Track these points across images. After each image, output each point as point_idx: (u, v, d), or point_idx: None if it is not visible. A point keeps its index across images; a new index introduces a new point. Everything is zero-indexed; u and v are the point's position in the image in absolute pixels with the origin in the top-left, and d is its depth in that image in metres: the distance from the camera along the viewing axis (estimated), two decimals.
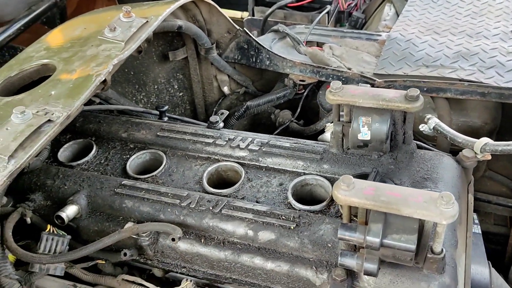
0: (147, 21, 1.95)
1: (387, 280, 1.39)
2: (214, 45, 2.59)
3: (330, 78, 2.41)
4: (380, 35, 2.78)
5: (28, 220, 1.71)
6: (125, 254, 1.63)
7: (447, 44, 2.52)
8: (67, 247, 1.65)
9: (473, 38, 2.55)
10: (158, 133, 2.00)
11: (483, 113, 2.36)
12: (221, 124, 2.06)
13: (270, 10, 3.33)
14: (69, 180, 1.83)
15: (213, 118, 2.05)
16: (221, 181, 1.86)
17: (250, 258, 1.57)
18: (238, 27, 2.59)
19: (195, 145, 1.94)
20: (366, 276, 1.40)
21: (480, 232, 2.01)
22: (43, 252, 1.62)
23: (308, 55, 2.65)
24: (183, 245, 1.63)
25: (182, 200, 1.70)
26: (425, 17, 2.82)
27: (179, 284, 1.65)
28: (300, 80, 2.61)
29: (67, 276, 1.71)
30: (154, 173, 1.85)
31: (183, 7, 2.40)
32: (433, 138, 2.28)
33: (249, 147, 1.88)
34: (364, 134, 1.64)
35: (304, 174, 1.77)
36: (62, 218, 1.67)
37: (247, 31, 2.59)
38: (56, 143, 2.02)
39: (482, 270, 1.79)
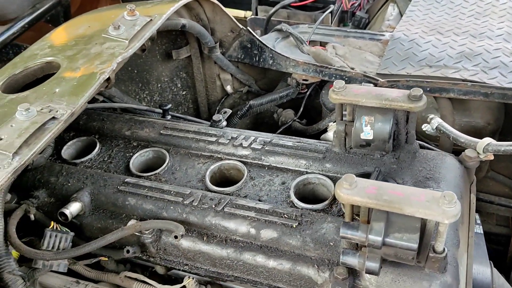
0: (151, 20, 1.96)
1: (388, 279, 1.40)
2: (218, 44, 2.59)
3: (333, 78, 2.41)
4: (383, 35, 2.78)
5: (32, 216, 1.72)
6: (128, 251, 1.63)
7: (451, 44, 2.52)
8: (70, 244, 1.66)
9: (476, 38, 2.55)
10: (161, 131, 2.01)
11: (486, 113, 2.36)
12: (224, 123, 2.07)
13: (273, 9, 3.34)
14: (73, 178, 1.84)
15: (216, 117, 2.06)
16: (224, 180, 1.87)
17: (252, 256, 1.57)
18: (241, 26, 2.59)
19: (198, 143, 1.94)
20: (367, 274, 1.40)
21: (482, 232, 2.01)
22: (47, 248, 1.63)
23: (311, 55, 2.66)
24: (186, 243, 1.64)
25: (184, 198, 1.71)
26: (428, 17, 2.82)
27: (181, 282, 1.66)
28: (303, 80, 2.61)
29: (70, 273, 1.72)
30: (157, 171, 1.86)
31: (187, 6, 2.41)
32: (435, 138, 2.28)
33: (252, 146, 1.89)
34: (367, 133, 1.64)
35: (307, 173, 1.77)
36: (65, 215, 1.68)
37: (251, 30, 2.60)
38: (60, 141, 2.03)
39: (484, 270, 1.79)
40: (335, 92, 1.65)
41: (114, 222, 1.73)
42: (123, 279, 1.70)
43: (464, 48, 2.46)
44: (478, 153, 1.72)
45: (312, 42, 2.84)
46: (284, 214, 1.60)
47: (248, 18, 3.61)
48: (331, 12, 3.28)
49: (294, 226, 1.56)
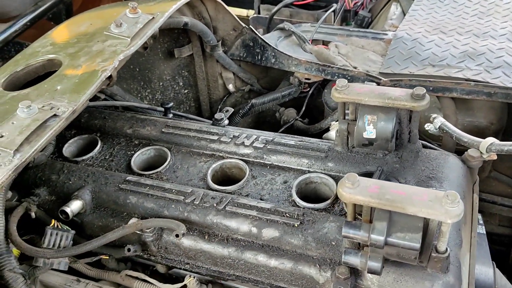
0: (153, 18, 1.95)
1: (390, 278, 1.39)
2: (220, 42, 2.59)
3: (336, 77, 2.41)
4: (386, 34, 2.77)
5: (33, 214, 1.72)
6: (128, 250, 1.63)
7: (454, 43, 2.51)
8: (71, 242, 1.65)
9: (480, 38, 2.54)
10: (163, 130, 2.01)
11: (489, 113, 2.35)
12: (226, 122, 2.06)
13: (276, 8, 3.33)
14: (74, 176, 1.83)
15: (218, 115, 2.05)
16: (226, 178, 1.86)
17: (254, 255, 1.57)
18: (244, 25, 2.58)
19: (200, 142, 1.94)
20: (369, 274, 1.40)
21: (485, 232, 2.00)
22: (47, 246, 1.62)
23: (314, 54, 2.65)
24: (187, 242, 1.63)
25: (186, 196, 1.70)
26: (431, 17, 2.81)
27: (182, 281, 1.66)
28: (306, 79, 2.61)
29: (71, 271, 1.72)
30: (158, 170, 1.85)
31: (189, 4, 2.40)
32: (438, 138, 2.27)
33: (254, 145, 1.88)
34: (370, 132, 1.63)
35: (309, 172, 1.76)
36: (66, 213, 1.68)
37: (253, 28, 2.59)
38: (61, 139, 2.03)
39: (487, 270, 1.78)
40: (338, 91, 1.64)
41: (115, 220, 1.72)
42: (124, 277, 1.69)
43: (467, 48, 2.45)
44: (481, 152, 1.71)
45: (314, 41, 2.84)
46: (286, 213, 1.59)
47: (250, 17, 3.60)
48: (333, 11, 3.26)
49: (296, 225, 1.56)
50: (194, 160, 1.90)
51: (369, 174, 1.64)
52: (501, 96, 2.15)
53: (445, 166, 1.70)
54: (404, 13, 3.01)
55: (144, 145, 1.98)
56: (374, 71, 2.43)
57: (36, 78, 1.90)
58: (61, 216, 1.69)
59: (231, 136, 1.93)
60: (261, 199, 1.69)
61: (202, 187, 1.77)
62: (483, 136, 1.73)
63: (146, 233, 1.62)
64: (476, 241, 1.71)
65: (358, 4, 3.47)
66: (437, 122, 1.81)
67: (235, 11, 3.69)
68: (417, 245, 1.25)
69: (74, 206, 1.70)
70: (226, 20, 2.55)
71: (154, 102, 2.70)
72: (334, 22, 3.36)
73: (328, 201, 1.63)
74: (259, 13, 3.65)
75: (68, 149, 1.99)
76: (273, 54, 2.58)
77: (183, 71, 2.78)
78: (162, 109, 2.30)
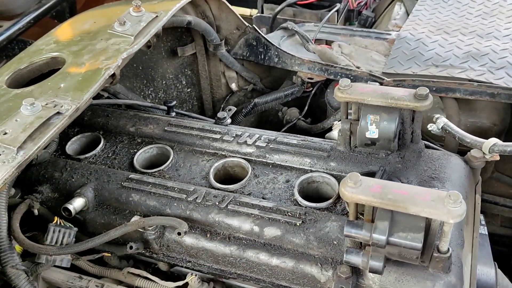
0: (157, 16, 1.95)
1: (392, 278, 1.39)
2: (223, 41, 2.59)
3: (339, 76, 2.40)
4: (389, 34, 2.77)
5: (36, 211, 1.72)
6: (131, 247, 1.63)
7: (457, 44, 2.50)
8: (74, 239, 1.66)
9: (483, 38, 2.53)
10: (165, 128, 2.01)
11: (492, 114, 2.35)
12: (229, 120, 2.06)
13: (279, 7, 3.33)
14: (77, 173, 1.84)
15: (220, 114, 2.05)
16: (228, 177, 1.86)
17: (255, 254, 1.57)
18: (247, 24, 2.58)
19: (202, 140, 1.94)
20: (371, 273, 1.40)
21: (487, 233, 2.00)
22: (50, 243, 1.63)
23: (317, 53, 2.65)
24: (189, 240, 1.64)
25: (188, 195, 1.70)
26: (435, 17, 2.80)
27: (184, 279, 1.66)
28: (308, 78, 2.60)
29: (73, 268, 1.72)
30: (161, 168, 1.86)
31: (192, 3, 2.41)
32: (440, 139, 2.26)
33: (256, 144, 1.88)
34: (372, 132, 1.63)
35: (311, 171, 1.76)
36: (69, 210, 1.68)
37: (256, 28, 2.59)
38: (64, 136, 2.03)
39: (488, 271, 1.78)
40: (341, 91, 1.64)
41: (117, 218, 1.73)
42: (126, 275, 1.70)
43: (471, 48, 2.45)
44: (484, 153, 1.71)
45: (318, 41, 2.83)
46: (287, 212, 1.60)
47: (253, 16, 3.60)
48: (337, 10, 3.27)
49: (298, 224, 1.56)
50: (196, 158, 1.90)
51: (371, 174, 1.64)
52: (504, 97, 2.14)
53: (448, 167, 1.70)
54: (407, 13, 3.00)
55: (147, 143, 1.99)
56: (377, 71, 2.43)
57: (40, 75, 1.91)
58: (63, 214, 1.69)
59: (234, 135, 1.93)
60: (263, 198, 1.69)
61: (204, 185, 1.78)
62: (486, 137, 1.73)
63: (148, 231, 1.63)
64: (478, 241, 1.71)
65: (362, 4, 3.47)
66: (440, 122, 1.80)
67: (239, 10, 3.67)
68: (419, 245, 1.25)
69: (76, 204, 1.71)
70: (229, 19, 2.55)
71: (157, 100, 2.71)
72: (337, 21, 3.36)
73: (330, 201, 1.63)
74: (262, 12, 3.66)
75: (71, 146, 2.00)
76: (276, 53, 2.58)
77: (186, 70, 2.78)
78: (165, 107, 2.30)
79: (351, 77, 2.35)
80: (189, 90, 2.86)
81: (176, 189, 1.73)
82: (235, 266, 1.61)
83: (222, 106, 2.86)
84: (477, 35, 2.56)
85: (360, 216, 1.40)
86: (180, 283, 1.65)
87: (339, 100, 1.66)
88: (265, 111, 2.84)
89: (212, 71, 2.79)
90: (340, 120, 1.77)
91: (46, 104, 1.61)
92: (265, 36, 2.61)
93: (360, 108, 1.66)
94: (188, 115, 2.38)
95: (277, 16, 3.34)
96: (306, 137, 1.92)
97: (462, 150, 1.91)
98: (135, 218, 1.65)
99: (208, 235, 1.63)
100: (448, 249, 1.32)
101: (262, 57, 2.63)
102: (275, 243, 1.57)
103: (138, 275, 1.69)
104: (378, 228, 1.26)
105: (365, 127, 1.64)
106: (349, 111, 1.71)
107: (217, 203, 1.66)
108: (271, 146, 1.86)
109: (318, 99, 2.76)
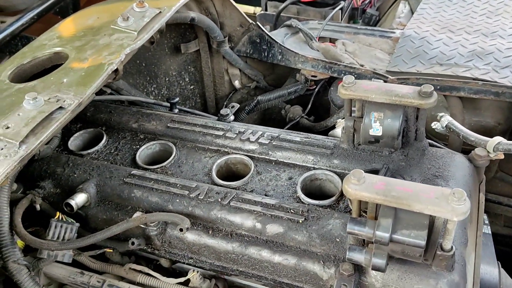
0: (160, 12, 1.95)
1: (395, 276, 1.38)
2: (227, 38, 2.58)
3: (342, 74, 2.40)
4: (394, 32, 2.76)
5: (38, 207, 1.72)
6: (132, 243, 1.63)
7: (462, 42, 2.49)
8: (76, 234, 1.66)
9: (488, 37, 2.52)
10: (168, 125, 2.00)
11: (496, 113, 2.34)
12: (232, 117, 2.06)
13: (283, 5, 3.33)
14: (79, 169, 1.84)
15: (223, 111, 2.05)
16: (230, 174, 1.86)
17: (258, 251, 1.56)
18: (251, 21, 2.58)
19: (205, 137, 1.93)
20: (374, 271, 1.39)
21: (490, 232, 1.99)
22: (52, 239, 1.63)
23: (321, 51, 2.64)
24: (191, 236, 1.63)
25: (190, 191, 1.70)
26: (440, 15, 2.79)
27: (186, 275, 1.66)
28: (312, 76, 2.60)
29: (75, 264, 1.72)
30: (163, 164, 1.85)
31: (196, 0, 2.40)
32: (444, 137, 2.26)
33: (259, 141, 1.88)
34: (376, 129, 1.62)
35: (314, 168, 1.76)
36: (71, 206, 1.68)
37: (260, 25, 2.58)
38: (67, 132, 2.03)
39: (492, 270, 1.77)
40: (345, 88, 1.63)
41: (119, 214, 1.72)
42: (128, 271, 1.70)
43: (475, 47, 2.44)
44: (488, 152, 1.70)
45: (321, 39, 2.82)
46: (290, 209, 1.59)
47: (257, 14, 3.60)
48: (341, 8, 3.26)
49: (300, 221, 1.55)
50: (199, 155, 1.90)
51: (374, 172, 1.63)
52: (509, 96, 2.13)
53: (452, 165, 1.69)
54: (412, 12, 2.99)
55: (150, 140, 1.98)
56: (381, 69, 2.42)
57: (43, 70, 1.90)
58: (65, 209, 1.69)
59: (237, 132, 1.93)
60: (265, 195, 1.69)
61: (207, 182, 1.77)
62: (490, 136, 1.72)
63: (150, 227, 1.62)
64: (482, 240, 1.70)
65: (366, 2, 3.46)
66: (444, 121, 1.79)
67: (243, 8, 3.67)
68: (423, 243, 1.24)
69: (78, 199, 1.71)
70: (233, 16, 2.55)
71: (160, 97, 2.70)
72: (341, 19, 3.36)
73: (333, 198, 1.62)
74: (266, 10, 3.65)
75: (73, 142, 1.99)
76: (280, 51, 2.57)
77: (189, 67, 2.78)
78: (168, 104, 2.30)
79: (355, 75, 2.34)
80: (192, 87, 2.85)
81: (178, 185, 1.73)
82: (237, 263, 1.60)
83: (225, 103, 2.86)
84: (481, 34, 2.55)
85: (363, 213, 1.39)
86: (182, 279, 1.65)
87: (343, 97, 1.65)
88: (268, 109, 2.84)
89: (216, 68, 2.78)
90: (343, 118, 1.76)
91: (49, 98, 1.61)
92: (268, 33, 2.60)
93: (364, 105, 1.65)
94: (191, 112, 2.37)
95: (281, 14, 3.33)
96: (309, 134, 1.91)
97: (466, 150, 1.90)
98: (137, 214, 1.65)
99: (210, 232, 1.63)
100: (452, 247, 1.31)
101: (266, 54, 2.62)
102: (278, 240, 1.56)
103: (140, 271, 1.69)
104: (382, 225, 1.25)
105: (368, 124, 1.63)
106: (352, 108, 1.70)
107: (219, 200, 1.65)
108: (274, 143, 1.86)
109: (321, 97, 2.76)
